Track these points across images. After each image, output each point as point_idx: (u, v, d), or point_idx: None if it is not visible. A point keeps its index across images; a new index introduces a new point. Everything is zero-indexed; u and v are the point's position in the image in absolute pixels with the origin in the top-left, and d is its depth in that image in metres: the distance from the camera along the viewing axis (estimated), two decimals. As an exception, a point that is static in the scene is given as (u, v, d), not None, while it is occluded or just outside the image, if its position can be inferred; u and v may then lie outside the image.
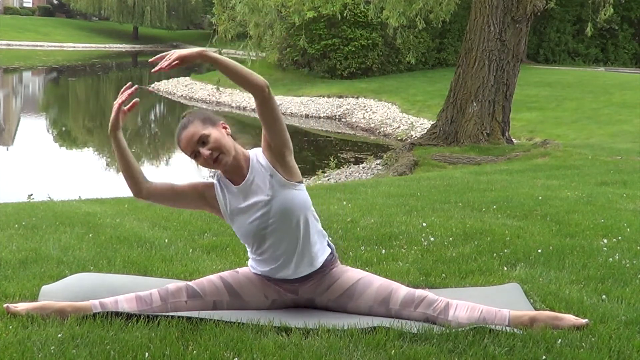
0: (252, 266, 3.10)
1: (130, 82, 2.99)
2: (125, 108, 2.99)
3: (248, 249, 3.09)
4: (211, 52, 2.81)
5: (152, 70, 2.76)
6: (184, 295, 2.96)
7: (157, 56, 2.77)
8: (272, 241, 2.96)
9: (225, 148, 2.89)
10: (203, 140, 2.87)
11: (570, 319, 2.86)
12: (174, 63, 2.73)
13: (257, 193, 2.94)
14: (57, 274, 3.42)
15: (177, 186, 3.05)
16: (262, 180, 2.94)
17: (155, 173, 14.67)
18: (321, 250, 3.05)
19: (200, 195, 3.04)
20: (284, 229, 2.95)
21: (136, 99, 3.02)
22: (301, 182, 3.02)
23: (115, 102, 2.95)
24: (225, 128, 2.96)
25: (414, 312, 2.92)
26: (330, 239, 4.23)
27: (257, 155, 2.99)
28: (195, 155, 2.90)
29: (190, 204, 3.10)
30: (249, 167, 2.96)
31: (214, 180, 3.05)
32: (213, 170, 3.01)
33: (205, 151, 2.86)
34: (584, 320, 2.85)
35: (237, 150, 2.95)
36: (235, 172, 2.96)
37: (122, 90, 2.96)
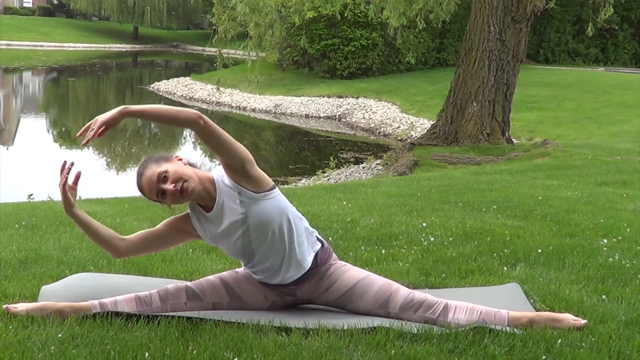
0: (247, 271, 3.10)
1: (64, 160, 2.93)
2: (71, 183, 2.95)
3: (241, 263, 3.09)
4: (132, 106, 2.74)
5: (82, 144, 2.71)
6: (184, 297, 2.96)
7: (82, 128, 2.70)
8: (261, 254, 2.94)
9: (186, 175, 2.83)
10: (163, 177, 2.82)
11: (569, 320, 2.85)
12: (100, 130, 2.69)
13: (230, 214, 2.89)
14: (57, 274, 3.42)
15: (154, 230, 3.01)
16: (232, 200, 2.88)
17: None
18: (308, 249, 3.01)
19: (179, 230, 3.00)
20: (269, 240, 2.91)
21: (78, 170, 2.99)
22: (272, 188, 2.94)
23: (59, 184, 2.90)
24: (180, 160, 2.91)
25: (413, 316, 2.92)
26: (330, 239, 4.24)
27: (222, 176, 2.92)
28: (161, 194, 2.84)
29: (174, 241, 3.07)
30: (217, 190, 2.90)
31: (188, 210, 2.99)
32: (185, 203, 2.95)
33: (168, 186, 2.81)
34: (583, 321, 2.85)
35: (199, 176, 2.89)
36: (204, 198, 2.90)
37: (60, 169, 2.90)
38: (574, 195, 6.24)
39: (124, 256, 3.02)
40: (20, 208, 5.88)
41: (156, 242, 3.02)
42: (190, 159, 3.00)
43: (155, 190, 2.84)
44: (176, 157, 2.93)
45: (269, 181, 2.94)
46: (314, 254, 3.02)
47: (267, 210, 2.88)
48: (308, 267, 2.99)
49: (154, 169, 2.84)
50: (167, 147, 18.78)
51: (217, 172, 2.94)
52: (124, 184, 12.34)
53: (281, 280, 3.00)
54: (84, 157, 16.54)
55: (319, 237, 3.11)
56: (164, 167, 2.84)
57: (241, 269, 3.13)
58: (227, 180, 2.90)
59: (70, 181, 2.94)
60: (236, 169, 2.86)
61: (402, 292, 2.98)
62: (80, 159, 16.14)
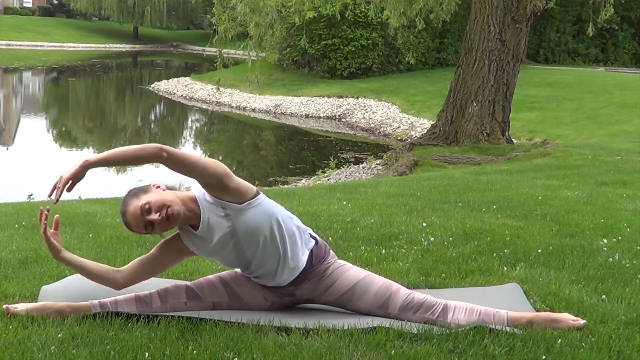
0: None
1: (41, 208, 2.90)
2: (52, 230, 2.93)
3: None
4: (93, 157, 2.72)
5: (54, 202, 2.72)
6: (184, 296, 2.96)
7: (51, 188, 2.71)
8: (257, 261, 2.94)
9: (168, 201, 2.81)
10: (146, 209, 2.80)
11: (568, 320, 2.85)
12: (67, 186, 2.69)
13: (218, 229, 2.88)
14: (57, 274, 3.42)
15: (149, 256, 2.99)
16: (217, 215, 2.87)
17: (156, 173, 14.67)
18: (302, 248, 3.00)
19: (174, 251, 2.99)
20: (262, 247, 2.91)
21: (56, 216, 2.97)
22: (256, 194, 2.91)
23: (41, 232, 2.88)
24: (158, 187, 2.90)
25: (412, 317, 2.92)
26: (330, 239, 4.24)
27: (203, 193, 2.90)
28: (149, 226, 2.82)
29: (171, 262, 3.05)
30: (200, 207, 2.89)
31: (179, 231, 2.98)
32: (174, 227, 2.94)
33: (153, 216, 2.79)
34: (582, 322, 2.85)
35: (181, 198, 2.88)
36: (190, 217, 2.89)
37: (39, 217, 2.87)
38: (574, 195, 6.24)
39: (124, 287, 2.98)
40: (20, 208, 5.88)
41: (153, 267, 3.00)
42: (168, 182, 2.97)
43: (142, 224, 2.82)
44: (154, 185, 2.91)
45: (251, 189, 2.92)
46: (308, 252, 3.01)
47: (255, 219, 2.87)
48: (303, 266, 2.99)
49: (136, 204, 2.82)
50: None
51: (198, 189, 2.93)
52: (124, 184, 12.35)
53: (279, 282, 3.00)
54: (84, 157, 16.53)
55: (313, 234, 3.10)
56: (145, 199, 2.82)
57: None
58: (207, 196, 2.89)
59: (51, 227, 2.92)
60: (214, 185, 2.85)
61: (402, 292, 2.98)
62: (80, 159, 16.13)
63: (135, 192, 2.87)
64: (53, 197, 2.69)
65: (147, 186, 2.90)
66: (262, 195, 2.94)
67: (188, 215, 2.87)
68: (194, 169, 2.81)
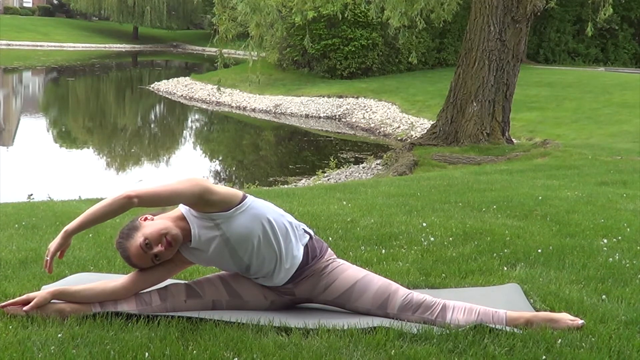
0: None
1: (46, 259, 2.82)
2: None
3: None
4: (70, 225, 2.80)
5: (48, 273, 2.80)
6: (183, 295, 2.96)
7: (44, 262, 2.80)
8: (255, 263, 2.96)
9: (164, 229, 2.85)
10: (146, 245, 2.84)
11: (566, 321, 2.85)
12: (57, 256, 2.79)
13: (210, 240, 2.90)
14: (57, 274, 3.42)
15: (151, 269, 2.95)
16: (206, 227, 2.90)
17: (156, 173, 14.68)
18: (297, 244, 3.00)
19: (174, 263, 2.99)
20: (256, 249, 2.92)
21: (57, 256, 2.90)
22: (243, 199, 2.91)
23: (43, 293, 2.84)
24: (146, 219, 2.92)
25: (411, 316, 2.92)
26: (330, 239, 4.24)
27: (189, 209, 2.93)
28: (155, 258, 2.86)
29: (173, 272, 3.05)
30: (189, 223, 2.91)
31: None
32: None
33: (156, 249, 2.84)
34: (580, 322, 2.84)
35: (171, 219, 2.91)
36: (184, 235, 2.91)
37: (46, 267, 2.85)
38: (574, 195, 6.24)
39: (130, 295, 2.96)
40: (20, 208, 5.89)
41: (153, 280, 2.98)
42: (150, 209, 2.97)
43: (149, 259, 2.87)
44: (141, 219, 2.93)
45: (236, 195, 2.92)
46: (303, 247, 3.02)
47: (244, 223, 2.89)
48: (299, 262, 2.99)
49: (134, 244, 2.86)
50: (167, 147, 18.80)
51: (184, 209, 2.95)
52: (124, 184, 12.34)
53: (277, 282, 3.01)
54: (84, 157, 16.55)
55: (307, 229, 3.10)
56: (140, 236, 2.85)
57: (241, 269, 3.13)
58: (193, 212, 2.92)
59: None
60: (196, 204, 2.87)
61: (401, 292, 2.98)
62: (80, 159, 16.14)
63: (128, 233, 2.89)
64: (47, 268, 2.79)
65: (135, 223, 2.92)
66: (249, 199, 2.94)
67: (182, 233, 2.90)
68: (169, 200, 2.86)
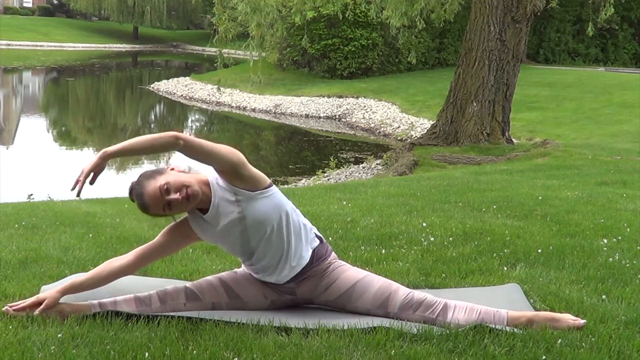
0: (246, 269, 3.10)
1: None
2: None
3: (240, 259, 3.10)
4: (111, 147, 2.77)
5: (76, 196, 2.74)
6: (183, 298, 2.95)
7: (74, 182, 2.73)
8: (260, 251, 2.95)
9: (186, 182, 2.83)
10: (165, 189, 2.80)
11: (568, 320, 2.85)
12: (90, 178, 2.72)
13: (227, 214, 2.89)
14: (57, 274, 3.42)
15: (154, 243, 2.99)
16: (228, 201, 2.89)
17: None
18: (306, 246, 3.01)
19: (181, 235, 3.00)
20: (267, 237, 2.92)
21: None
22: (269, 186, 2.94)
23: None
24: (173, 169, 2.91)
25: (412, 315, 2.92)
26: (330, 239, 4.24)
27: (216, 177, 2.93)
28: (168, 206, 2.82)
29: (177, 247, 3.06)
30: (212, 192, 2.90)
31: (187, 215, 2.99)
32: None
33: (173, 196, 2.80)
34: (582, 321, 2.85)
35: (196, 180, 2.90)
36: (202, 200, 2.90)
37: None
38: (574, 195, 6.24)
39: (132, 272, 2.98)
40: (20, 208, 5.88)
41: (159, 253, 3.01)
42: (180, 165, 3.00)
43: (161, 204, 2.82)
44: (168, 167, 2.93)
45: (265, 179, 2.94)
46: (311, 250, 3.02)
47: (264, 208, 2.89)
48: (305, 264, 3.00)
49: (154, 184, 2.83)
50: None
51: (211, 173, 2.95)
52: (124, 184, 12.34)
53: (280, 279, 3.00)
54: (84, 157, 16.55)
55: (318, 233, 3.11)
56: (163, 179, 2.83)
57: (240, 269, 3.13)
58: (221, 181, 2.91)
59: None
60: (228, 172, 2.87)
61: (401, 292, 2.99)
62: (81, 159, 16.14)
63: (151, 174, 2.88)
64: (75, 190, 2.72)
65: (161, 168, 2.92)
66: (274, 188, 2.97)
67: (201, 197, 2.88)
68: (210, 156, 2.84)
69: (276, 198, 2.94)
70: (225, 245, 3.01)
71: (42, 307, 2.79)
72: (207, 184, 2.91)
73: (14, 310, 2.80)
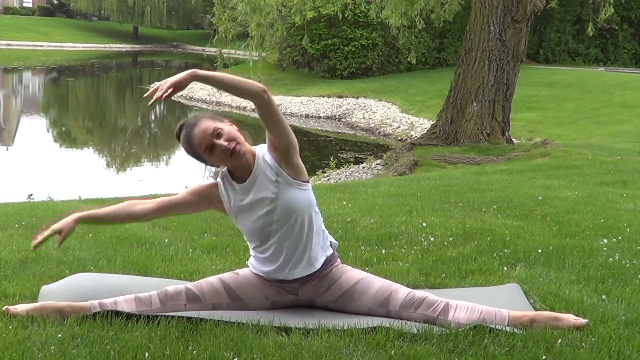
0: (251, 264, 3.10)
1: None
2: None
3: (251, 246, 3.08)
4: (201, 71, 2.78)
5: (149, 104, 2.72)
6: (183, 299, 2.95)
7: (151, 90, 2.73)
8: (276, 239, 2.96)
9: (239, 139, 2.88)
10: (218, 133, 2.84)
11: (570, 319, 2.85)
12: (169, 92, 2.70)
13: (262, 190, 2.93)
14: (57, 274, 3.42)
15: (177, 198, 3.03)
16: (267, 178, 2.93)
17: (156, 173, 14.68)
18: (322, 252, 3.04)
19: (203, 198, 3.03)
20: (288, 228, 2.94)
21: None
22: (307, 181, 3.01)
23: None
24: (232, 125, 2.95)
25: (413, 314, 2.92)
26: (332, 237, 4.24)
27: (264, 153, 2.97)
28: (210, 149, 2.84)
29: (198, 208, 3.09)
30: (255, 164, 2.94)
31: (218, 179, 3.03)
32: (221, 168, 2.98)
33: (222, 142, 2.83)
34: (584, 321, 2.84)
35: (247, 146, 2.94)
36: (243, 168, 2.93)
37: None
38: (574, 195, 6.24)
39: (148, 221, 3.08)
40: (20, 208, 5.89)
41: (178, 209, 3.04)
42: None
43: (207, 144, 2.84)
44: (229, 120, 2.96)
45: (306, 173, 3.01)
46: (324, 258, 3.04)
47: (298, 199, 2.93)
48: (315, 270, 3.02)
49: (209, 123, 2.86)
50: (167, 147, 18.79)
51: (260, 149, 2.98)
52: (124, 184, 12.34)
53: (289, 275, 3.00)
54: (84, 157, 16.55)
55: (333, 240, 3.15)
56: (220, 124, 2.87)
57: (242, 270, 3.12)
58: (268, 157, 2.94)
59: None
60: (281, 150, 2.91)
61: (402, 291, 2.99)
62: (80, 159, 16.14)
63: (211, 116, 2.91)
64: (151, 100, 2.69)
65: (222, 118, 2.95)
66: (310, 185, 3.02)
67: (243, 164, 2.91)
68: (278, 125, 2.86)
69: (310, 194, 3.00)
70: (244, 222, 2.99)
71: (61, 236, 2.85)
72: (253, 154, 2.95)
73: (33, 246, 2.86)
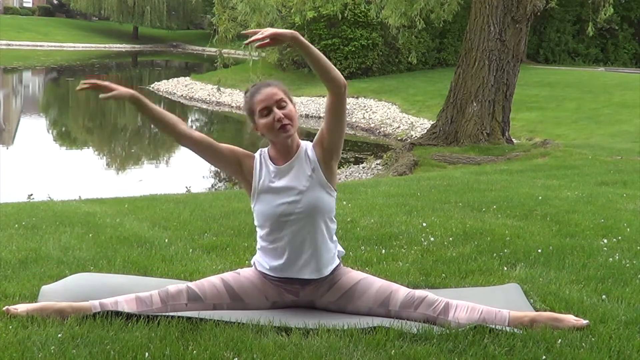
0: (256, 261, 3.10)
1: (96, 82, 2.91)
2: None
3: (260, 234, 3.07)
4: (302, 39, 2.89)
5: (245, 42, 2.84)
6: (184, 298, 2.95)
7: (252, 30, 2.85)
8: (290, 232, 2.98)
9: (296, 124, 2.97)
10: (282, 105, 2.94)
11: (571, 320, 2.85)
12: (266, 41, 2.81)
13: (294, 179, 2.99)
14: (57, 274, 3.42)
15: (215, 143, 3.07)
16: (303, 170, 2.99)
17: (156, 173, 14.68)
18: (332, 260, 3.06)
19: (236, 161, 3.07)
20: (305, 225, 2.97)
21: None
22: (335, 190, 3.07)
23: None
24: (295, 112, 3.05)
25: (413, 313, 2.92)
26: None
27: (307, 146, 3.05)
28: (266, 112, 2.93)
29: (226, 165, 3.10)
30: (297, 152, 3.01)
31: (256, 154, 3.09)
32: (263, 134, 3.04)
33: (279, 112, 2.92)
34: (584, 322, 2.84)
35: (297, 136, 3.02)
36: (283, 151, 3.01)
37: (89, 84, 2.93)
38: (574, 195, 6.24)
39: (180, 144, 3.04)
40: (20, 208, 5.89)
41: (210, 153, 3.05)
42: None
43: (266, 105, 2.93)
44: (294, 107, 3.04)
45: (336, 182, 3.09)
46: (332, 268, 3.06)
47: (323, 200, 3.00)
48: (321, 276, 3.04)
49: (280, 93, 2.96)
50: (167, 147, 18.79)
51: (305, 142, 3.07)
52: (124, 184, 12.34)
53: (293, 274, 3.00)
54: (84, 157, 16.55)
55: (340, 250, 3.16)
56: (288, 100, 2.97)
57: (243, 270, 3.12)
58: (310, 151, 3.02)
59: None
60: (326, 149, 2.99)
61: (403, 290, 3.00)
62: (80, 159, 16.15)
63: (286, 91, 3.00)
64: (248, 40, 2.82)
65: (292, 99, 3.04)
66: (336, 195, 3.10)
67: (285, 148, 2.99)
68: (340, 123, 2.97)
69: (333, 202, 3.07)
70: (264, 203, 3.01)
71: (110, 95, 2.87)
72: (298, 145, 3.02)
73: (78, 89, 2.88)
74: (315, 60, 2.89)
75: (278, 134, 2.95)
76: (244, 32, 2.89)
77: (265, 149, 3.09)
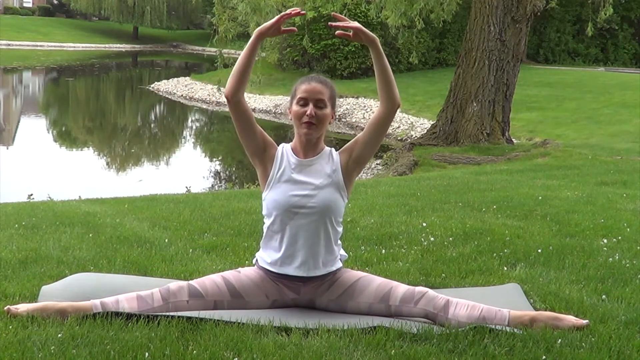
0: (259, 257, 3.11)
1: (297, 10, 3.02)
2: (283, 28, 3.06)
3: (267, 222, 3.09)
4: (377, 40, 3.05)
5: (330, 24, 2.98)
6: (185, 295, 2.96)
7: (340, 16, 2.98)
8: (295, 226, 3.00)
9: (323, 128, 3.06)
10: (319, 104, 3.03)
11: (571, 319, 2.86)
12: (348, 32, 2.98)
13: (313, 175, 3.05)
14: (57, 274, 3.42)
15: (254, 119, 3.14)
16: (323, 168, 3.06)
17: (156, 173, 14.68)
18: (333, 262, 3.08)
19: (263, 143, 3.12)
20: (313, 221, 3.00)
21: (294, 28, 3.23)
22: (348, 198, 3.17)
23: (283, 13, 3.03)
24: (333, 118, 3.13)
25: (414, 309, 2.93)
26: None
27: (332, 150, 3.14)
28: (303, 102, 3.02)
29: (252, 143, 3.13)
30: (322, 152, 3.11)
31: (280, 145, 3.16)
32: (292, 121, 3.13)
33: (310, 110, 3.01)
34: (584, 321, 2.85)
35: (323, 135, 3.11)
36: (308, 148, 3.08)
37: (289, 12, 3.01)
38: (574, 195, 6.24)
39: (230, 100, 3.13)
40: (20, 208, 5.89)
41: (246, 123, 3.10)
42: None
43: (307, 96, 3.03)
44: (334, 112, 3.13)
45: (350, 193, 3.19)
46: (333, 269, 3.08)
47: (336, 202, 3.07)
48: (324, 275, 3.06)
49: (326, 93, 3.06)
50: (167, 147, 18.80)
51: (331, 148, 3.16)
52: (124, 184, 12.34)
53: (292, 271, 3.02)
54: (84, 157, 16.55)
55: (343, 254, 3.18)
56: (329, 104, 3.06)
57: (244, 269, 3.13)
58: (335, 154, 3.12)
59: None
60: (353, 158, 3.09)
61: (403, 287, 3.03)
62: (80, 159, 16.15)
63: (334, 96, 3.11)
64: (338, 22, 2.98)
65: (336, 109, 3.16)
66: (346, 203, 3.19)
67: (310, 143, 3.07)
68: (377, 138, 3.09)
69: (343, 207, 3.13)
70: (278, 191, 3.04)
71: (278, 28, 3.02)
72: (323, 147, 3.12)
73: (276, 23, 3.00)
74: (384, 70, 3.03)
75: (300, 128, 3.04)
76: (334, 14, 2.98)
77: (288, 145, 3.16)
